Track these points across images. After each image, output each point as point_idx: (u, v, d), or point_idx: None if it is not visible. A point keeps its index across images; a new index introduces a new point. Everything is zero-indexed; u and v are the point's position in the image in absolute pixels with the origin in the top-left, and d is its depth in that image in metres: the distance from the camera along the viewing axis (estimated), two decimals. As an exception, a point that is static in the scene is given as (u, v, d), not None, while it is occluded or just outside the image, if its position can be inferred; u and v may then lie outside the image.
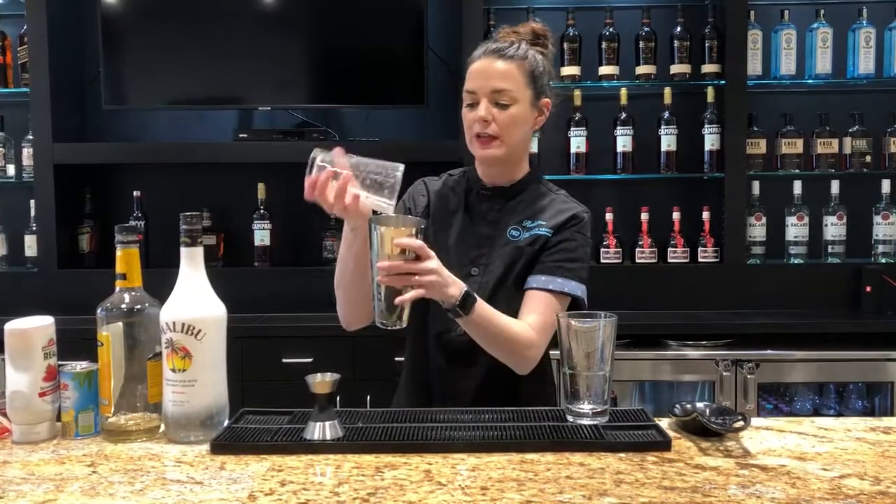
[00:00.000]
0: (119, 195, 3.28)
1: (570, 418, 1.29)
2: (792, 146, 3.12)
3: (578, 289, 1.59)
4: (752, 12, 3.09)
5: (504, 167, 1.65)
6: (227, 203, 3.29)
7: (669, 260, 3.10)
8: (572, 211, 1.66)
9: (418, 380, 1.67)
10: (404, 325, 1.35)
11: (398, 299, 1.33)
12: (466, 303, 1.43)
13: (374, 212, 1.45)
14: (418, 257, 1.35)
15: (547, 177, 3.26)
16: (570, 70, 3.10)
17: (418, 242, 1.35)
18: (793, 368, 2.76)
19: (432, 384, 1.63)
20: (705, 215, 3.10)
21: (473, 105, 1.59)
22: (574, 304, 1.60)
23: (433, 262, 1.37)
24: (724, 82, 3.06)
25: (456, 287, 1.41)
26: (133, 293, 1.28)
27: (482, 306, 1.46)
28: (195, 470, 1.12)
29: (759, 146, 3.10)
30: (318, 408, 1.22)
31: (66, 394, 1.27)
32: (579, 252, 1.62)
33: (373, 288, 1.34)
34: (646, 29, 3.11)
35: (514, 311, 1.57)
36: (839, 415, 2.88)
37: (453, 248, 1.63)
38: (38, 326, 1.27)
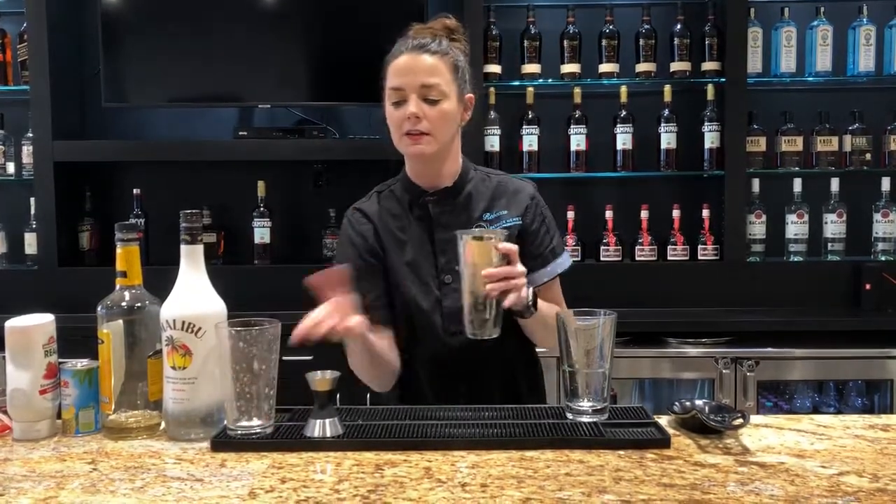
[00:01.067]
0: (119, 193, 3.28)
1: (569, 416, 1.30)
2: (792, 144, 3.12)
3: (566, 258, 1.67)
4: (753, 10, 3.08)
5: (436, 164, 1.61)
6: (226, 201, 3.29)
7: (669, 258, 3.10)
8: (526, 190, 1.67)
9: (406, 394, 1.66)
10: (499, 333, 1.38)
11: (507, 303, 1.35)
12: (535, 300, 1.47)
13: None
14: (509, 262, 1.37)
15: (547, 175, 3.28)
16: (570, 68, 3.10)
17: (515, 246, 1.38)
18: (792, 366, 2.76)
19: (426, 396, 1.62)
20: (705, 213, 3.10)
21: (400, 102, 1.55)
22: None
23: (520, 265, 1.39)
24: (724, 80, 3.06)
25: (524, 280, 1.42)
26: (133, 291, 1.28)
27: (539, 299, 1.51)
28: (196, 467, 1.12)
29: (759, 144, 3.10)
30: (319, 405, 1.22)
31: (66, 391, 1.27)
32: (551, 225, 1.67)
33: (466, 301, 1.36)
34: (646, 26, 3.11)
35: (508, 310, 1.57)
36: (839, 412, 2.88)
37: (415, 263, 1.60)
38: (38, 324, 1.27)
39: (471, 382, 1.61)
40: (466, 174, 1.65)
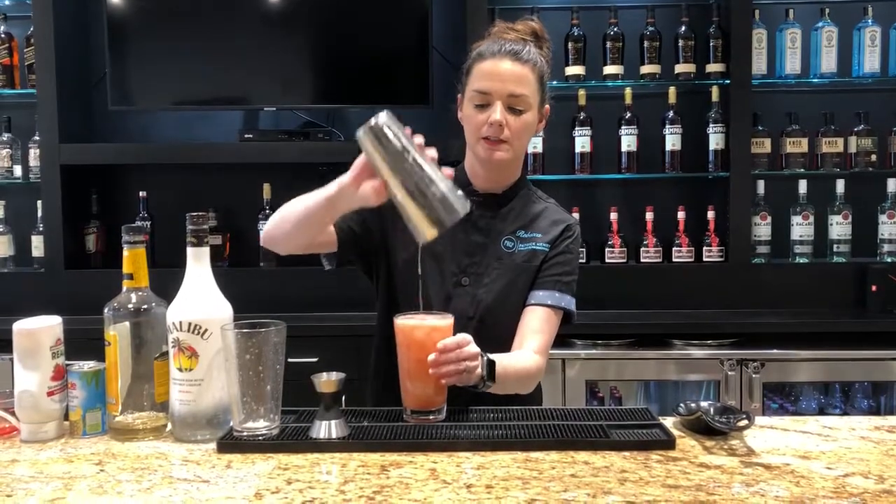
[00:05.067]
0: (125, 196, 3.29)
1: None
2: (797, 145, 3.11)
3: (572, 303, 1.61)
4: (757, 11, 3.08)
5: (505, 172, 1.63)
6: (232, 203, 3.30)
7: (674, 259, 3.10)
8: (566, 222, 1.66)
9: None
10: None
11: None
12: (491, 372, 1.38)
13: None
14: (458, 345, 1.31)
15: (551, 177, 3.28)
16: (574, 70, 3.11)
17: (464, 337, 1.32)
18: (798, 368, 2.76)
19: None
20: (710, 215, 3.09)
21: (484, 106, 1.54)
22: (565, 317, 1.62)
23: (473, 345, 1.34)
24: (728, 81, 3.06)
25: (477, 361, 1.35)
26: (140, 293, 1.29)
27: (499, 366, 1.41)
28: (202, 468, 1.13)
29: (763, 145, 3.10)
30: (324, 407, 1.23)
31: (73, 393, 1.28)
32: (573, 265, 1.64)
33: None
34: (650, 28, 3.11)
35: (514, 327, 1.57)
36: (844, 414, 2.88)
37: (440, 255, 1.58)
38: (45, 326, 1.28)
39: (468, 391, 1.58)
40: (518, 189, 1.66)
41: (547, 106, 1.63)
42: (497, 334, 1.56)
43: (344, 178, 1.37)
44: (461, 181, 1.63)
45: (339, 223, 1.57)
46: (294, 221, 1.50)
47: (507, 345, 1.57)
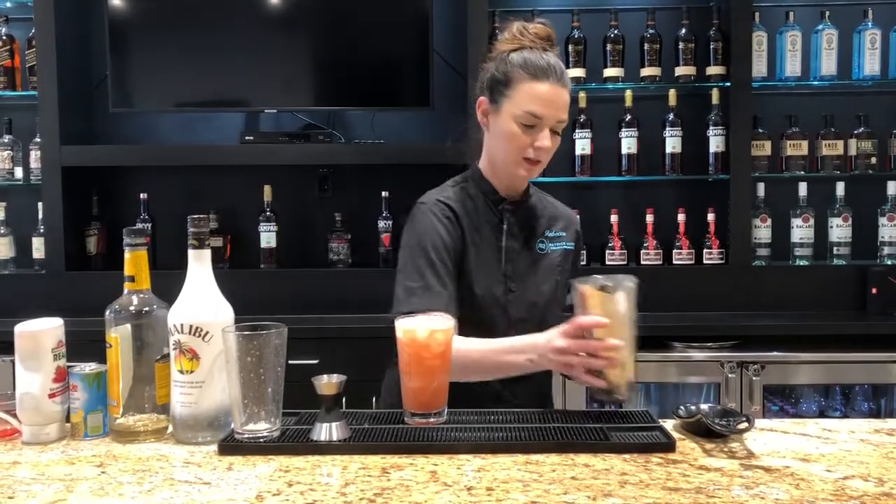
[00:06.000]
0: (126, 197, 3.30)
1: None
2: (797, 148, 3.12)
3: None
4: (757, 14, 3.09)
5: (525, 183, 1.68)
6: (233, 205, 3.31)
7: (675, 262, 3.11)
8: (576, 219, 1.78)
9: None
10: None
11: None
12: None
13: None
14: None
15: (552, 179, 3.28)
16: (574, 72, 3.11)
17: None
18: (798, 370, 2.76)
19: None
20: (710, 217, 3.10)
21: (532, 127, 1.55)
22: None
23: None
24: (728, 84, 3.06)
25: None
26: (141, 295, 1.29)
27: None
28: (203, 470, 1.13)
29: (764, 148, 3.10)
30: (325, 409, 1.23)
31: (75, 395, 1.28)
32: (582, 250, 1.82)
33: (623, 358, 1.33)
34: (651, 31, 3.11)
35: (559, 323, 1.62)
36: (845, 416, 2.88)
37: (485, 265, 1.61)
38: (47, 328, 1.28)
39: (512, 387, 1.62)
40: (529, 189, 1.71)
41: None
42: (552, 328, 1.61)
43: (558, 342, 1.39)
44: (488, 189, 1.65)
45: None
46: (480, 374, 1.53)
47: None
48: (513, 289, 1.62)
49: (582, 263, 3.04)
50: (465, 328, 1.53)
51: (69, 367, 1.30)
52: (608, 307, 1.30)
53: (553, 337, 1.40)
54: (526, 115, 1.54)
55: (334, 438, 1.21)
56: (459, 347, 1.43)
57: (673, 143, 3.10)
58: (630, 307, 1.29)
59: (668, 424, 1.32)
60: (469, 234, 1.60)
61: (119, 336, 1.26)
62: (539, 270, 1.64)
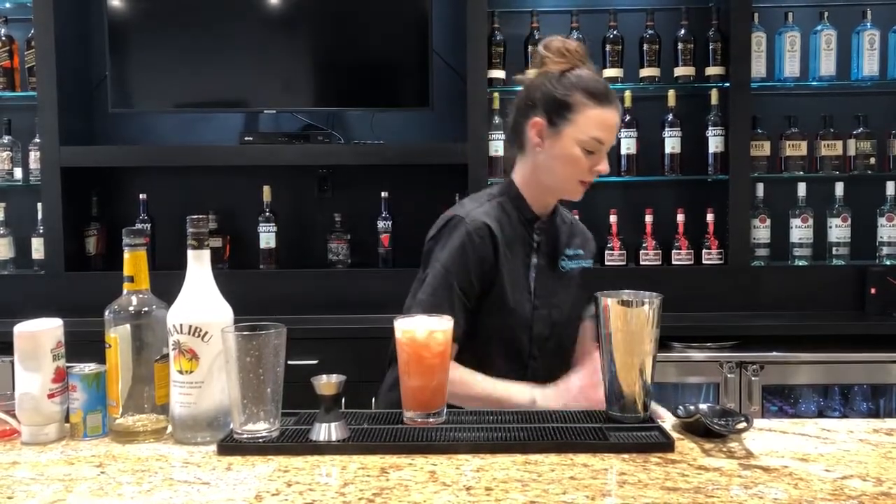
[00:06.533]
0: (125, 198, 3.30)
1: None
2: (796, 148, 3.12)
3: None
4: (756, 14, 3.09)
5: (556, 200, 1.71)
6: (232, 206, 3.31)
7: (674, 262, 3.11)
8: (591, 238, 1.80)
9: None
10: None
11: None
12: None
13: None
14: None
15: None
16: (574, 73, 3.11)
17: None
18: (797, 370, 2.76)
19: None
20: (709, 217, 3.10)
21: (591, 152, 1.58)
22: None
23: None
24: (728, 84, 3.07)
25: None
26: (140, 295, 1.29)
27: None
28: (202, 470, 1.13)
29: (763, 148, 3.11)
30: (324, 409, 1.23)
31: (74, 395, 1.28)
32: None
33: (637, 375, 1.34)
34: (650, 31, 3.12)
35: (576, 340, 1.70)
36: (843, 416, 2.88)
37: (514, 282, 1.62)
38: (46, 329, 1.28)
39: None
40: (556, 208, 1.73)
41: None
42: (567, 349, 1.66)
43: (573, 384, 1.52)
44: (523, 207, 1.66)
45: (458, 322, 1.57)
46: (481, 405, 1.52)
47: (571, 357, 1.70)
48: (537, 306, 1.63)
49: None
50: (492, 343, 1.58)
51: (68, 367, 1.30)
52: (629, 321, 1.30)
53: (549, 396, 1.51)
54: (591, 141, 1.57)
55: (333, 438, 1.21)
56: (465, 379, 1.50)
57: (672, 143, 3.11)
58: (651, 322, 1.29)
59: (667, 424, 1.32)
60: (502, 250, 1.61)
61: (118, 336, 1.26)
62: (561, 289, 1.66)
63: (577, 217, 1.84)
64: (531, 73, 1.66)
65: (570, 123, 1.57)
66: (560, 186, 1.63)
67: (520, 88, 1.69)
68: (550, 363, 1.66)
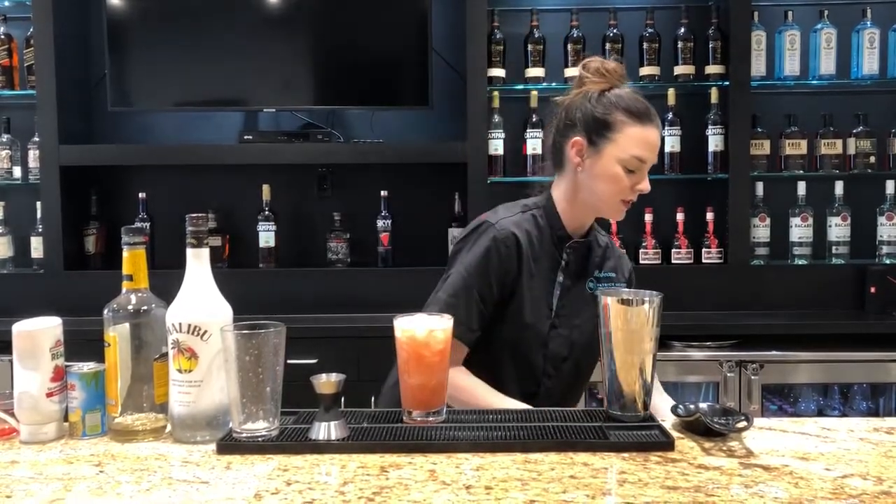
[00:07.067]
0: (125, 197, 3.30)
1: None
2: (796, 147, 3.12)
3: None
4: (756, 13, 3.09)
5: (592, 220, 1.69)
6: (232, 204, 3.30)
7: (673, 261, 3.11)
8: (627, 260, 1.78)
9: None
10: None
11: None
12: None
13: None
14: None
15: (550, 178, 3.27)
16: (573, 71, 3.08)
17: None
18: (797, 369, 2.76)
19: None
20: (709, 216, 3.10)
21: (634, 171, 1.57)
22: None
23: None
24: (727, 83, 3.07)
25: None
26: (139, 294, 1.29)
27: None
28: (201, 469, 1.13)
29: (762, 147, 3.11)
30: (324, 408, 1.23)
31: (73, 394, 1.28)
32: None
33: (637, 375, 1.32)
34: (649, 30, 3.11)
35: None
36: (843, 415, 2.88)
37: (536, 298, 1.61)
38: (45, 328, 1.27)
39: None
40: (592, 229, 1.71)
41: None
42: (587, 371, 1.64)
43: None
44: (556, 225, 1.65)
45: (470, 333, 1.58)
46: (472, 407, 1.52)
47: (587, 382, 1.69)
48: (556, 325, 1.63)
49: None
50: (504, 356, 1.58)
51: (67, 366, 1.30)
52: (628, 320, 1.30)
53: None
54: (632, 160, 1.57)
55: (333, 437, 1.21)
56: (472, 388, 1.52)
57: (672, 142, 3.11)
58: (651, 321, 1.29)
59: (667, 423, 1.31)
60: (527, 263, 1.61)
61: (117, 335, 1.26)
62: (585, 310, 1.63)
63: (613, 241, 1.81)
64: (571, 93, 1.66)
65: (611, 142, 1.57)
66: (601, 206, 1.62)
67: (557, 109, 1.69)
68: (566, 385, 1.65)
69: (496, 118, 3.09)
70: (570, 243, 1.65)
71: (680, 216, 3.11)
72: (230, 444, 1.20)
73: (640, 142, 1.56)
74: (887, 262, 3.07)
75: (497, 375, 1.59)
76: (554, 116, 1.68)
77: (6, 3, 3.24)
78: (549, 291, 1.63)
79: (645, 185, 1.59)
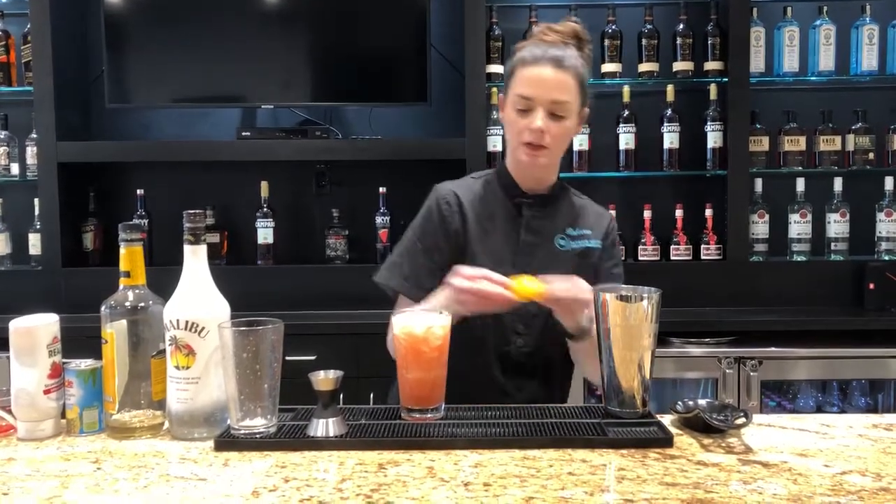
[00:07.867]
0: (122, 193, 3.29)
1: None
2: (795, 143, 3.11)
3: None
4: (755, 9, 3.08)
5: (542, 173, 1.66)
6: (230, 201, 3.30)
7: (672, 257, 3.10)
8: (608, 217, 1.76)
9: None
10: None
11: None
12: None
13: None
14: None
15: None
16: (572, 68, 3.10)
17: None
18: (796, 366, 2.76)
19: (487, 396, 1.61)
20: (708, 213, 3.10)
21: (526, 112, 1.56)
22: None
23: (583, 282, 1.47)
24: (726, 79, 3.06)
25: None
26: (137, 291, 1.28)
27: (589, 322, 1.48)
28: (199, 466, 1.13)
29: (761, 143, 3.10)
30: (322, 405, 1.23)
31: (70, 391, 1.28)
32: (619, 255, 1.76)
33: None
34: (648, 26, 3.11)
35: None
36: (842, 412, 2.88)
37: (496, 257, 1.61)
38: (43, 324, 1.27)
39: (530, 389, 1.64)
40: (559, 187, 1.71)
41: (586, 108, 1.65)
42: (563, 329, 1.60)
43: (455, 281, 1.46)
44: (508, 183, 1.67)
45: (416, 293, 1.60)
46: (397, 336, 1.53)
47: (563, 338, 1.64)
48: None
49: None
50: (471, 315, 1.53)
51: (65, 363, 1.30)
52: (627, 316, 1.30)
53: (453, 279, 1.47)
54: (518, 99, 1.57)
55: (331, 434, 1.21)
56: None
57: (671, 138, 3.10)
58: (650, 317, 1.29)
59: (666, 420, 1.31)
60: (475, 220, 1.63)
61: (115, 332, 1.26)
62: (554, 267, 1.62)
63: (589, 200, 1.79)
64: None
65: (509, 89, 1.61)
66: (512, 154, 1.64)
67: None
68: (540, 341, 1.62)
69: (495, 115, 3.08)
70: (520, 199, 1.65)
71: (679, 212, 3.11)
72: (228, 441, 1.20)
73: (524, 81, 1.57)
74: (886, 258, 3.07)
75: (472, 332, 1.57)
76: None
77: (3, 0, 3.23)
78: (513, 250, 1.63)
79: (534, 123, 1.55)
